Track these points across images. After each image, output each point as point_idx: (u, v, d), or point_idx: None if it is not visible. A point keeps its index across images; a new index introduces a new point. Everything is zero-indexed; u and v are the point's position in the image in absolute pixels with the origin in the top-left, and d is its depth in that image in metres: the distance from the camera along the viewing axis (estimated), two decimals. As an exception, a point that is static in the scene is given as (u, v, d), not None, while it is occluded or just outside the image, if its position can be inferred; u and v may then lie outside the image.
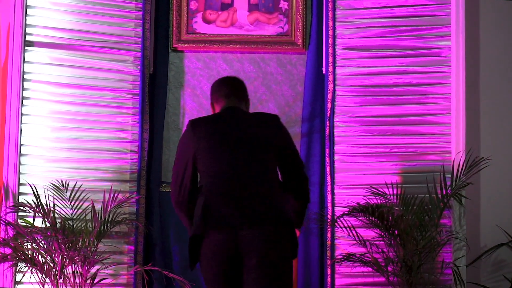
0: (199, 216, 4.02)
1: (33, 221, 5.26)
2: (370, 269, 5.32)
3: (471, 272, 5.40)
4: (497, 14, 5.59)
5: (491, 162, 5.35)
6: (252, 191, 4.01)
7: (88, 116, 5.61)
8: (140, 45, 5.68)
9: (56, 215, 5.26)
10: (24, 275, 5.29)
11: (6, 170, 5.41)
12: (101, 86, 5.64)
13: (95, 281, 5.22)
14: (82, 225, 5.27)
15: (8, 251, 5.19)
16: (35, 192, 5.28)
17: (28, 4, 5.51)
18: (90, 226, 5.25)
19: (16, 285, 5.37)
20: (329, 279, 5.54)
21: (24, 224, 5.29)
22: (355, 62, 5.71)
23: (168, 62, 5.89)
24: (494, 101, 5.56)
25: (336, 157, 5.62)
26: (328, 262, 5.54)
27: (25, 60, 5.50)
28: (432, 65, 5.65)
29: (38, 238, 5.16)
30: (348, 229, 5.32)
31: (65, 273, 5.15)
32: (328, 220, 5.49)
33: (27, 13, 5.52)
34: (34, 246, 5.16)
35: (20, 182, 5.43)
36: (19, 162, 5.44)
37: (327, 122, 5.66)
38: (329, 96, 5.67)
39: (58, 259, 5.13)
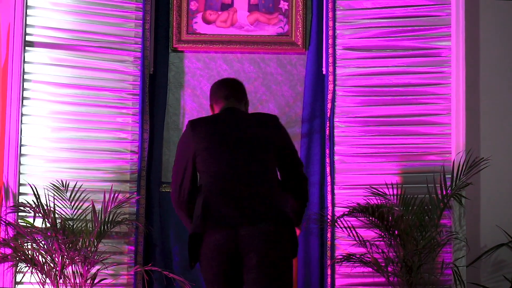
0: (198, 215, 4.03)
1: (33, 221, 5.26)
2: (370, 269, 5.32)
3: (471, 272, 5.40)
4: (497, 14, 5.60)
5: (491, 162, 5.35)
6: (252, 191, 4.02)
7: (88, 116, 5.61)
8: (140, 45, 5.68)
9: (56, 215, 5.26)
10: (24, 275, 5.29)
11: (6, 170, 5.41)
12: (101, 86, 5.64)
13: (95, 281, 5.23)
14: (82, 225, 5.27)
15: (8, 251, 5.19)
16: (35, 192, 5.28)
17: (28, 4, 5.52)
18: (90, 226, 5.25)
19: (16, 285, 5.37)
20: (329, 279, 5.54)
21: (24, 224, 5.29)
22: (355, 63, 5.71)
23: (168, 62, 5.90)
24: (494, 101, 5.56)
25: (336, 158, 5.62)
26: (328, 262, 5.54)
27: (25, 60, 5.51)
28: (432, 66, 5.66)
29: (38, 238, 5.16)
30: (348, 229, 5.32)
31: (65, 273, 5.15)
32: (328, 220, 5.49)
33: (27, 13, 5.52)
34: (34, 246, 5.16)
35: (20, 182, 5.43)
36: (19, 162, 5.44)
37: (327, 122, 5.66)
38: (329, 96, 5.68)
39: (58, 259, 5.13)
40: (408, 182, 5.49)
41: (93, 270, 5.24)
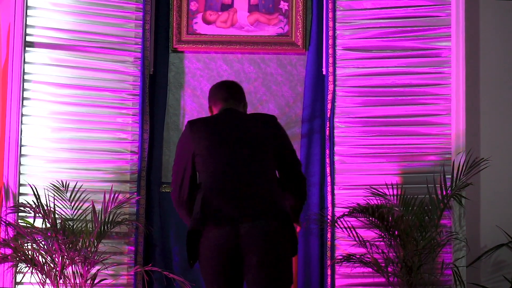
0: (197, 212, 4.04)
1: (34, 221, 5.26)
2: (370, 269, 5.32)
3: (471, 272, 5.40)
4: (497, 14, 5.60)
5: (491, 162, 5.35)
6: (251, 190, 4.03)
7: (88, 116, 5.61)
8: (140, 46, 5.69)
9: (57, 216, 5.26)
10: (24, 275, 5.29)
11: (7, 170, 5.41)
12: (101, 86, 5.64)
13: (95, 281, 5.22)
14: (83, 226, 5.27)
15: (8, 251, 5.19)
16: (36, 193, 5.28)
17: (28, 4, 5.52)
18: (91, 226, 5.25)
19: (16, 285, 5.37)
20: (329, 280, 5.54)
21: (25, 224, 5.29)
22: (355, 63, 5.71)
23: (168, 62, 5.90)
24: (494, 101, 5.56)
25: (336, 158, 5.62)
26: (328, 262, 5.54)
27: (26, 60, 5.51)
28: (432, 66, 5.65)
29: (39, 238, 5.16)
30: (348, 229, 5.32)
31: (66, 273, 5.15)
32: (328, 220, 5.49)
33: (28, 13, 5.52)
34: (34, 246, 5.16)
35: (21, 182, 5.43)
36: (20, 162, 5.44)
37: (327, 122, 5.66)
38: (329, 96, 5.68)
39: (59, 260, 5.14)
40: (408, 182, 5.49)
41: (93, 271, 5.24)
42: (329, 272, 5.55)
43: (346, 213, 5.26)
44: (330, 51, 5.70)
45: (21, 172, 5.44)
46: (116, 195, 5.32)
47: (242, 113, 4.27)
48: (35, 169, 5.49)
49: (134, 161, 5.62)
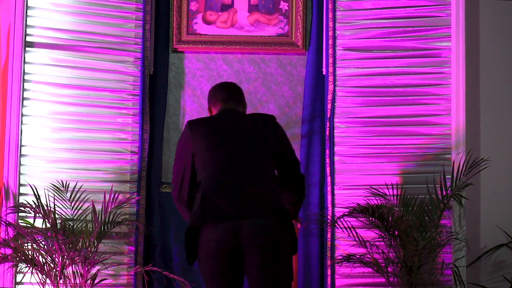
0: (197, 210, 4.05)
1: (34, 221, 5.26)
2: (370, 269, 5.32)
3: (471, 272, 5.40)
4: (497, 14, 5.60)
5: (491, 163, 5.35)
6: (251, 189, 4.05)
7: (88, 116, 5.61)
8: (140, 46, 5.69)
9: (57, 216, 5.26)
10: (24, 275, 5.29)
11: (7, 170, 5.41)
12: (101, 87, 5.64)
13: (96, 281, 5.22)
14: (83, 226, 5.27)
15: (8, 251, 5.19)
16: (36, 193, 5.28)
17: (28, 5, 5.52)
18: (91, 226, 5.25)
19: (16, 285, 5.37)
20: (329, 280, 5.54)
21: (25, 224, 5.30)
22: (356, 63, 5.71)
23: (168, 62, 5.90)
24: (494, 101, 5.56)
25: (336, 158, 5.62)
26: (328, 262, 5.54)
27: (26, 61, 5.51)
28: (432, 66, 5.65)
29: (39, 238, 5.16)
30: (348, 229, 5.32)
31: (66, 273, 5.15)
32: (328, 220, 5.49)
33: (28, 14, 5.52)
34: (34, 246, 5.16)
35: (21, 182, 5.43)
36: (20, 162, 5.44)
37: (327, 123, 5.66)
38: (329, 97, 5.68)
39: (59, 260, 5.14)
40: (408, 182, 5.49)
41: (93, 271, 5.24)
42: (329, 272, 5.55)
43: (346, 213, 5.26)
44: (330, 51, 5.70)
45: (21, 172, 5.44)
46: (116, 195, 5.32)
47: (241, 113, 4.29)
48: (35, 169, 5.50)
49: (134, 161, 5.62)
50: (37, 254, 5.14)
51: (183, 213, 4.27)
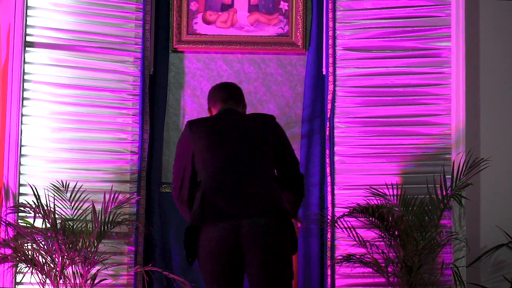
0: (196, 209, 4.06)
1: (34, 221, 5.26)
2: (370, 269, 5.32)
3: (471, 272, 5.40)
4: (497, 14, 5.59)
5: (491, 163, 5.35)
6: (251, 189, 4.05)
7: (88, 116, 5.61)
8: (140, 46, 5.69)
9: (57, 216, 5.26)
10: (24, 275, 5.28)
11: (7, 170, 5.41)
12: (101, 86, 5.64)
13: (95, 281, 5.22)
14: (83, 226, 5.27)
15: (8, 251, 5.19)
16: (36, 193, 5.28)
17: (28, 4, 5.52)
18: (91, 226, 5.25)
19: (16, 285, 5.37)
20: (329, 280, 5.54)
21: (25, 224, 5.30)
22: (355, 63, 5.71)
23: (168, 62, 5.90)
24: (494, 101, 5.56)
25: (336, 158, 5.62)
26: (328, 262, 5.54)
27: (26, 60, 5.51)
28: (432, 66, 5.65)
29: (39, 238, 5.16)
30: (348, 229, 5.32)
31: (66, 273, 5.15)
32: (328, 220, 5.49)
33: (28, 13, 5.52)
34: (34, 246, 5.16)
35: (21, 182, 5.43)
36: (20, 162, 5.44)
37: (327, 122, 5.66)
38: (329, 96, 5.68)
39: (59, 260, 5.13)
40: (408, 182, 5.49)
41: (93, 271, 5.24)
42: (329, 272, 5.55)
43: (346, 213, 5.26)
44: (330, 51, 5.70)
45: (21, 172, 5.44)
46: (116, 195, 5.32)
47: (241, 113, 4.30)
48: (35, 169, 5.49)
49: (134, 161, 5.62)
50: (37, 254, 5.14)
51: (183, 212, 4.28)
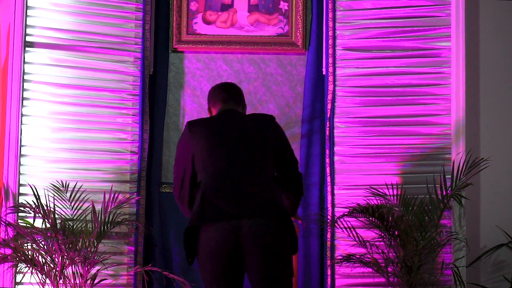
0: (196, 209, 4.06)
1: (33, 221, 5.26)
2: (370, 269, 5.32)
3: (471, 272, 5.40)
4: (497, 14, 5.60)
5: (491, 163, 5.35)
6: (251, 190, 4.05)
7: (88, 116, 5.61)
8: (140, 46, 5.69)
9: (56, 216, 5.26)
10: (24, 275, 5.28)
11: (6, 170, 5.41)
12: (101, 86, 5.64)
13: (95, 281, 5.22)
14: (82, 226, 5.27)
15: (8, 251, 5.19)
16: (35, 193, 5.28)
17: (28, 4, 5.52)
18: (90, 226, 5.25)
19: (16, 285, 5.37)
20: (329, 280, 5.54)
21: (24, 224, 5.30)
22: (355, 63, 5.71)
23: (168, 62, 5.90)
24: (494, 101, 5.56)
25: (336, 158, 5.62)
26: (328, 262, 5.54)
27: (25, 60, 5.51)
28: (432, 66, 5.65)
29: (38, 238, 5.16)
30: (348, 229, 5.32)
31: (65, 273, 5.15)
32: (328, 220, 5.49)
33: (27, 13, 5.52)
34: (34, 246, 5.16)
35: (20, 182, 5.43)
36: (19, 162, 5.44)
37: (327, 122, 5.66)
38: (329, 96, 5.68)
39: (58, 260, 5.13)
40: (408, 182, 5.49)
41: (93, 271, 5.24)
42: (329, 272, 5.55)
43: (346, 213, 5.26)
44: (330, 51, 5.70)
45: (21, 172, 5.44)
46: (116, 195, 5.32)
47: (241, 114, 4.30)
48: (35, 169, 5.50)
49: (134, 161, 5.62)
50: (37, 254, 5.14)
51: (185, 212, 4.28)
